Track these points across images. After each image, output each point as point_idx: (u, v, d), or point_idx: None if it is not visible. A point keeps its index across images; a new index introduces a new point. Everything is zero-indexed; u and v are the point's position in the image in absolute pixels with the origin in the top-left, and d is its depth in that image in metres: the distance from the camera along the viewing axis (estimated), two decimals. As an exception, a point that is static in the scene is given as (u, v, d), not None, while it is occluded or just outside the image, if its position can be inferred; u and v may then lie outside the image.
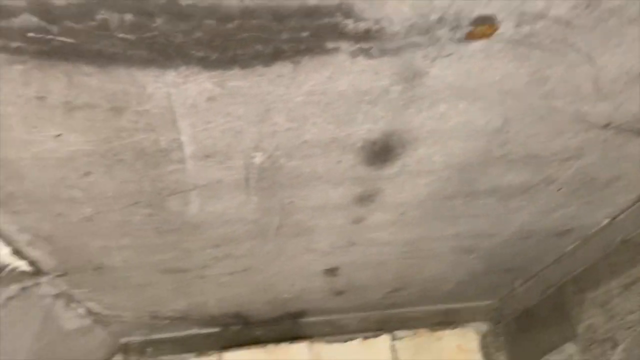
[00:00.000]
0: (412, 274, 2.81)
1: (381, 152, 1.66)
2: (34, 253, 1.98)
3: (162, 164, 1.55)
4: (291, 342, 3.24)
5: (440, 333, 3.39)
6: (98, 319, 2.75)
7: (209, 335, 3.21)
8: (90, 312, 2.65)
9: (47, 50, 1.09)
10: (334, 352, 3.28)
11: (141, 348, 3.18)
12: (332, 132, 1.52)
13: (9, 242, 1.87)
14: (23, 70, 1.14)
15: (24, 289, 2.14)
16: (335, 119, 1.46)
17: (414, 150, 1.67)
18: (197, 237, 2.04)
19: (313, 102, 1.37)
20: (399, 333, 3.38)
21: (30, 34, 1.04)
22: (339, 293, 2.97)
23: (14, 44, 1.06)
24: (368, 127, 1.52)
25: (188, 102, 1.30)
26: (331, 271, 2.63)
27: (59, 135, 1.36)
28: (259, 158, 1.59)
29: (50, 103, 1.25)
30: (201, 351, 3.18)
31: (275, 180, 1.73)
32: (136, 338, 3.16)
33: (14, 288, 2.09)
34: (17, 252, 1.95)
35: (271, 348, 3.18)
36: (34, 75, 1.16)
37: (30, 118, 1.29)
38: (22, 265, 2.03)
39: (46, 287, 2.23)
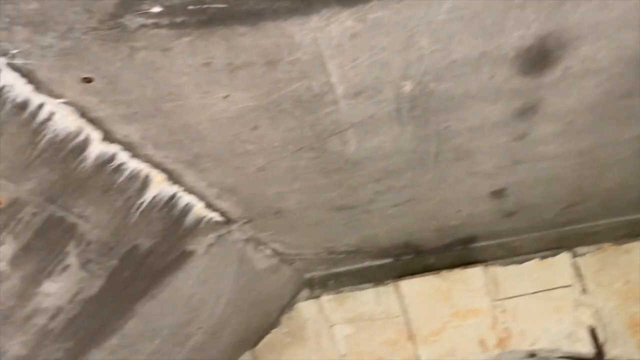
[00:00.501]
0: (590, 185, 2.62)
1: (538, 58, 1.55)
2: (223, 204, 2.25)
3: (318, 108, 1.64)
4: (464, 267, 3.26)
5: (627, 246, 3.14)
6: (283, 258, 3.04)
7: (382, 266, 3.37)
8: (276, 253, 2.94)
9: (205, 19, 1.21)
10: (511, 274, 3.24)
11: (323, 281, 3.46)
12: (481, 47, 1.46)
13: (201, 197, 2.14)
14: (189, 42, 1.28)
15: (219, 236, 2.45)
16: (482, 32, 1.40)
17: (575, 49, 1.54)
18: (358, 174, 2.13)
19: (456, 18, 1.33)
20: (580, 249, 3.21)
21: (190, 7, 1.16)
22: (509, 214, 2.89)
23: (179, 19, 1.20)
24: (519, 33, 1.43)
25: (333, 42, 1.35)
26: (498, 193, 2.57)
27: (227, 96, 1.51)
28: (408, 86, 1.60)
29: (215, 67, 1.39)
30: (378, 281, 3.36)
31: (428, 107, 1.73)
32: (318, 273, 3.44)
33: (211, 237, 2.41)
34: (209, 205, 2.23)
35: (445, 274, 3.24)
36: (198, 44, 1.29)
37: (201, 84, 1.45)
38: (215, 216, 2.32)
39: (237, 233, 2.53)
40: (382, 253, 3.26)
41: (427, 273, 3.27)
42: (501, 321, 3.19)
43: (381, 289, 3.35)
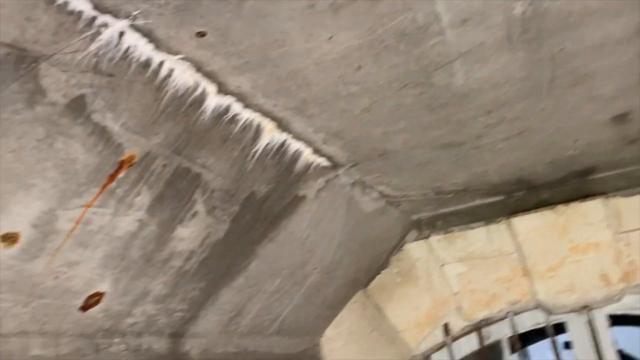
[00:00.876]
0: None
1: (670, -41, 1.39)
2: (329, 149, 2.30)
3: (423, 41, 1.60)
4: (582, 201, 3.09)
5: None
6: (390, 200, 3.07)
7: (493, 204, 3.29)
8: (382, 195, 2.97)
9: (308, -41, 1.21)
10: (635, 205, 3.02)
11: (431, 222, 3.45)
12: (603, -46, 1.33)
13: (309, 143, 2.20)
14: (293, -15, 1.30)
15: (327, 181, 2.52)
16: (604, -64, 1.27)
17: None
18: (467, 107, 2.07)
19: None
20: None
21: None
22: (633, 141, 2.68)
23: (283, -38, 1.21)
24: None
25: (438, -32, 1.30)
26: (620, 118, 2.38)
27: (331, 37, 1.52)
28: (519, 8, 1.51)
29: (319, 8, 1.40)
30: (489, 219, 3.29)
31: (541, 28, 1.62)
32: (425, 214, 3.44)
33: (320, 181, 2.48)
34: (317, 151, 2.29)
35: (561, 209, 3.10)
36: (302, -14, 1.31)
37: (306, 27, 1.47)
38: (322, 161, 2.38)
39: (344, 177, 2.58)
40: (492, 190, 3.17)
41: (541, 208, 3.15)
42: (625, 255, 3.02)
43: (492, 227, 3.28)
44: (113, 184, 1.64)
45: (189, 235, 1.99)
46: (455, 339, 3.36)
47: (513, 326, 3.27)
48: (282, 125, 2.02)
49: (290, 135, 2.10)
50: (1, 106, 1.23)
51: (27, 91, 1.26)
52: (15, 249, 1.47)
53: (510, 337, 3.32)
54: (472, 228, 3.32)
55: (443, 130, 2.25)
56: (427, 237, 3.45)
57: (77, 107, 1.39)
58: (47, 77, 1.28)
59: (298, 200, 2.42)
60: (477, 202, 3.31)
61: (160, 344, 2.22)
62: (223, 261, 2.23)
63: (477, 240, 3.30)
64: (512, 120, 2.22)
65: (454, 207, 3.38)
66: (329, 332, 3.50)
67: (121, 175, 1.64)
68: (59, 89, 1.33)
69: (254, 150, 2.00)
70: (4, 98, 1.22)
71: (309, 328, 3.28)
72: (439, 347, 3.39)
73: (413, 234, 3.55)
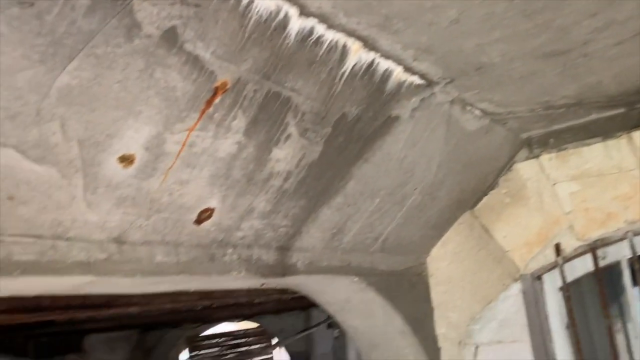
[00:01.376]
0: None
1: None
2: (421, 66, 2.26)
3: (506, -61, 1.50)
4: None
5: None
6: (494, 118, 2.96)
7: (612, 117, 3.03)
8: (485, 113, 2.87)
9: None
10: None
11: (543, 140, 3.28)
12: None
13: (398, 61, 2.19)
14: None
15: (422, 100, 2.49)
16: None
17: None
18: (567, 11, 1.91)
19: None
20: None
21: None
22: None
23: None
24: None
25: None
26: None
27: (404, -54, 1.49)
28: None
29: None
30: (607, 134, 3.05)
31: None
32: (536, 131, 3.27)
33: (414, 100, 2.47)
34: (408, 69, 2.27)
35: (694, 119, 2.77)
36: None
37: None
38: (415, 79, 2.35)
39: (440, 95, 2.54)
40: (610, 103, 2.92)
41: (669, 120, 2.85)
42: None
43: (611, 142, 3.03)
44: (211, 109, 1.79)
45: (285, 156, 2.12)
46: (568, 260, 3.25)
47: (632, 247, 3.07)
48: (369, 44, 2.02)
49: (378, 54, 2.10)
50: (105, 41, 1.40)
51: (125, 26, 1.41)
52: (132, 168, 1.70)
53: (630, 259, 3.13)
54: (588, 144, 3.10)
55: (543, 38, 2.11)
56: (538, 156, 3.30)
57: (170, 38, 1.53)
58: (140, 12, 1.43)
59: (391, 120, 2.45)
60: (594, 116, 3.07)
61: (269, 256, 2.45)
62: (320, 181, 2.35)
63: (593, 157, 3.08)
64: (624, 21, 2.01)
65: (567, 123, 3.17)
66: (435, 251, 3.57)
67: (217, 100, 1.78)
68: (152, 22, 1.47)
69: (341, 71, 2.04)
70: (106, 33, 1.39)
71: (414, 247, 3.37)
72: (550, 268, 3.31)
73: (523, 153, 3.41)
